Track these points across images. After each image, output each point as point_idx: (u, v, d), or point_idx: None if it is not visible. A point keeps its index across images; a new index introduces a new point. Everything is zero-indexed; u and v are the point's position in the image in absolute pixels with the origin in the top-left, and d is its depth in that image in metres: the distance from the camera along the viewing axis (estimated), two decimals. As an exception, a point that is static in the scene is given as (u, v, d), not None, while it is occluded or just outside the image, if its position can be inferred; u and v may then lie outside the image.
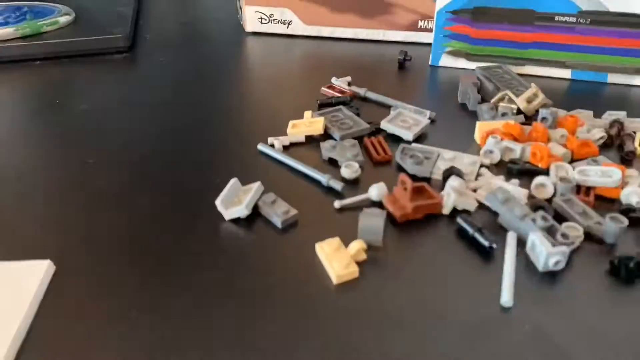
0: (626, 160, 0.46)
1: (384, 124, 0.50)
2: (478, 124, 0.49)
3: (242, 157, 0.47)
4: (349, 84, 0.60)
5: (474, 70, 0.60)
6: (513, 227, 0.37)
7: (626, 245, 0.37)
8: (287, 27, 0.73)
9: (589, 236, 0.38)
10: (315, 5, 0.71)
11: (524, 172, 0.44)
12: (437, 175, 0.44)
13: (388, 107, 0.55)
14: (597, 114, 0.52)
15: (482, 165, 0.45)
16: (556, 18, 0.58)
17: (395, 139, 0.50)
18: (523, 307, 0.33)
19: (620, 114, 0.51)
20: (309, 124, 0.50)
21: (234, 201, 0.40)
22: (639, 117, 0.52)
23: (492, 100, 0.53)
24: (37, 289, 0.33)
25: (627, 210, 0.39)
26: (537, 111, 0.51)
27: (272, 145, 0.48)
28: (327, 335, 0.31)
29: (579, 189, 0.41)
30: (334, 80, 0.60)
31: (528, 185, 0.42)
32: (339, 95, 0.57)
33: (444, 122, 0.53)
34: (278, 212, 0.39)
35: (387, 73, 0.63)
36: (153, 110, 0.56)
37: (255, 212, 0.40)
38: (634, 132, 0.49)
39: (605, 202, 0.41)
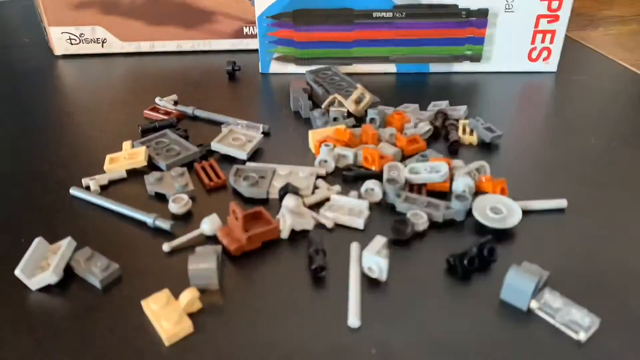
0: (453, 150, 0.47)
1: (215, 145, 0.47)
2: (310, 132, 0.47)
3: (53, 207, 0.41)
4: (175, 103, 0.56)
5: (304, 74, 0.59)
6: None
7: (464, 240, 0.38)
8: (102, 46, 0.66)
9: (438, 227, 0.38)
10: (130, 19, 0.65)
11: (360, 178, 0.43)
12: (274, 195, 0.41)
13: (220, 124, 0.52)
14: (424, 106, 0.54)
15: (318, 176, 0.44)
16: (374, 14, 0.59)
17: (230, 159, 0.46)
18: (370, 324, 0.31)
19: (443, 104, 0.53)
20: (129, 155, 0.45)
21: (41, 266, 0.34)
22: (460, 105, 0.54)
23: (323, 105, 0.51)
24: None
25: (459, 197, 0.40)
26: (366, 111, 0.51)
27: (88, 188, 0.43)
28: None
29: (411, 187, 0.41)
30: (157, 100, 0.55)
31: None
32: (164, 117, 0.53)
33: (279, 134, 0.50)
34: (95, 270, 0.34)
35: (217, 86, 0.60)
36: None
37: (70, 273, 0.35)
38: (457, 121, 0.50)
39: (437, 197, 0.41)
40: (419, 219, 0.38)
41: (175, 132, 0.49)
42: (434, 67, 0.62)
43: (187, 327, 0.31)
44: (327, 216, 0.39)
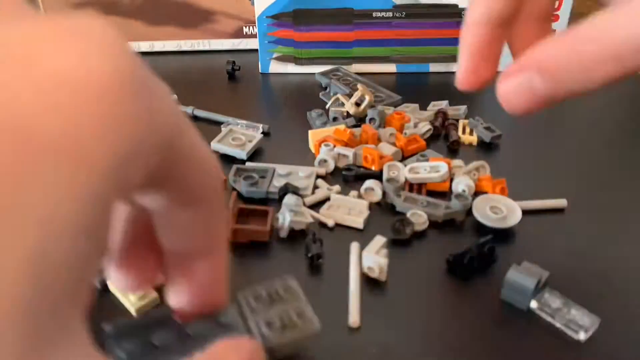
0: (452, 149, 0.47)
1: (215, 145, 0.47)
2: (310, 132, 0.47)
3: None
4: (175, 103, 0.56)
5: (304, 74, 0.59)
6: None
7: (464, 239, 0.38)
8: (102, 46, 0.66)
9: (437, 227, 0.38)
10: (129, 19, 0.65)
11: (360, 177, 0.43)
12: (274, 195, 0.41)
13: (219, 124, 0.51)
14: (424, 106, 0.54)
15: (318, 176, 0.44)
16: (374, 14, 0.59)
17: (230, 159, 0.46)
18: (370, 324, 0.31)
19: (443, 103, 0.53)
20: (129, 156, 0.45)
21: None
22: (460, 105, 0.54)
23: (327, 106, 0.51)
24: None
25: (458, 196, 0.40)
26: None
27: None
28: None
29: (411, 186, 0.41)
30: (157, 100, 0.55)
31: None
32: (164, 117, 0.52)
33: (279, 134, 0.50)
34: (95, 269, 0.34)
35: (217, 86, 0.60)
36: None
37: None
38: (457, 121, 0.50)
39: (437, 197, 0.41)
40: (418, 218, 0.38)
41: (175, 132, 0.49)
42: (434, 67, 0.62)
43: (154, 299, 0.32)
44: (327, 215, 0.39)
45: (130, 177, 0.14)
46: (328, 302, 0.33)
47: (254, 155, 0.47)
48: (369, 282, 0.34)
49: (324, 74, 0.58)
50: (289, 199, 0.39)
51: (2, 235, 0.12)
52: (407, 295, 0.33)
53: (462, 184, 0.40)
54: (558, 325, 0.31)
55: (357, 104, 0.50)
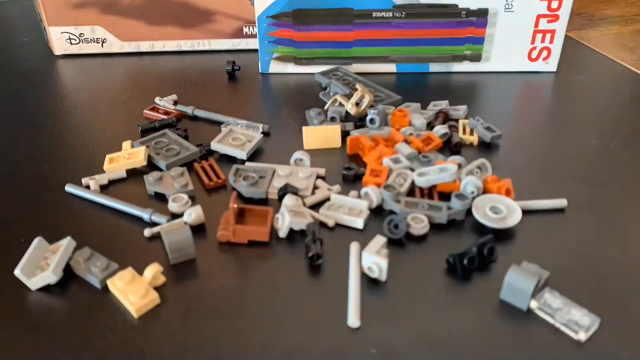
0: (455, 151, 0.47)
1: (215, 145, 0.47)
2: (304, 129, 0.47)
3: (53, 207, 0.41)
4: (175, 103, 0.56)
5: (304, 74, 0.59)
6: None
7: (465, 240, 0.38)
8: (102, 46, 0.66)
9: (438, 227, 0.38)
10: (130, 19, 0.65)
11: (359, 177, 0.43)
12: (274, 195, 0.41)
13: (219, 124, 0.51)
14: (424, 106, 0.54)
15: (318, 176, 0.44)
16: (373, 14, 0.59)
17: (230, 159, 0.46)
18: (370, 324, 0.31)
19: (443, 103, 0.53)
20: (129, 155, 0.45)
21: (41, 265, 0.34)
22: (460, 104, 0.54)
23: (326, 106, 0.51)
24: None
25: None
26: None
27: (88, 187, 0.43)
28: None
29: (421, 191, 0.41)
30: (157, 100, 0.55)
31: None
32: (164, 117, 0.53)
33: (279, 134, 0.50)
34: (95, 270, 0.34)
35: (217, 85, 0.60)
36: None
37: (70, 273, 0.35)
38: (457, 121, 0.50)
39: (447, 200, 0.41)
40: (419, 222, 0.37)
41: (174, 132, 0.49)
42: (434, 67, 0.62)
43: (154, 298, 0.32)
44: (327, 215, 0.39)
45: None
46: (328, 302, 0.33)
47: (254, 155, 0.47)
48: (369, 282, 0.34)
49: (323, 73, 0.58)
50: (288, 199, 0.39)
51: None
52: (407, 295, 0.33)
53: (470, 184, 0.40)
54: (558, 325, 0.31)
55: (357, 104, 0.50)
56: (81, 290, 0.34)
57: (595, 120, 0.53)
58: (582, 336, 0.30)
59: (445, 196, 0.41)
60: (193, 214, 0.38)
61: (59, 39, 0.65)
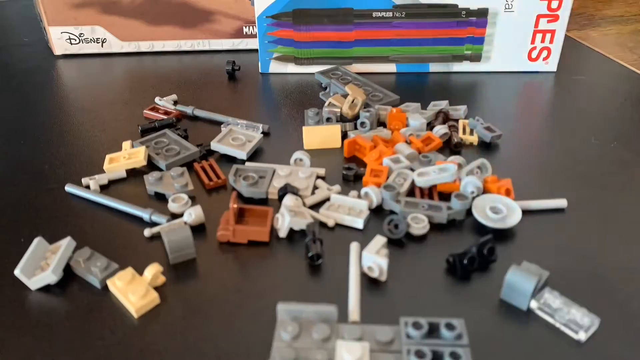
0: (455, 152, 0.47)
1: (215, 145, 0.47)
2: (304, 128, 0.47)
3: (53, 207, 0.41)
4: (175, 103, 0.56)
5: (304, 74, 0.59)
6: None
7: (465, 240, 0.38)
8: (102, 46, 0.66)
9: (438, 227, 0.38)
10: (129, 19, 0.65)
11: (359, 177, 0.43)
12: (274, 195, 0.41)
13: (219, 124, 0.51)
14: (424, 106, 0.54)
15: (318, 176, 0.44)
16: (374, 14, 0.59)
17: (230, 159, 0.46)
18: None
19: (443, 103, 0.53)
20: (129, 155, 0.45)
21: (41, 265, 0.34)
22: (459, 104, 0.54)
23: (324, 106, 0.51)
24: None
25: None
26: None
27: (88, 187, 0.43)
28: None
29: (421, 192, 0.41)
30: (157, 100, 0.55)
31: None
32: (164, 117, 0.53)
33: (279, 134, 0.50)
34: (95, 270, 0.34)
35: (217, 85, 0.60)
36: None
37: (70, 273, 0.35)
38: (457, 121, 0.50)
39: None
40: (418, 222, 0.37)
41: (174, 131, 0.49)
42: (434, 67, 0.62)
43: (154, 298, 0.32)
44: (327, 215, 0.39)
45: None
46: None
47: (254, 155, 0.47)
48: (369, 282, 0.34)
49: (323, 73, 0.58)
50: (288, 199, 0.39)
51: None
52: (407, 295, 0.33)
53: (470, 184, 0.40)
54: (558, 325, 0.31)
55: (351, 105, 0.50)
56: (81, 290, 0.34)
57: (595, 120, 0.53)
58: (582, 336, 0.30)
59: (445, 196, 0.41)
60: (193, 214, 0.38)
61: (59, 39, 0.65)
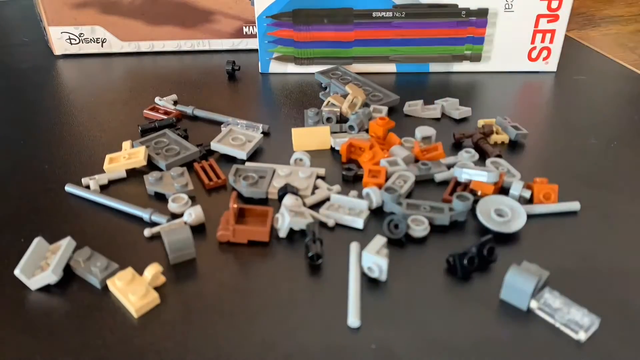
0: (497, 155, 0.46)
1: (214, 145, 0.47)
2: (293, 130, 0.47)
3: (53, 207, 0.41)
4: (175, 103, 0.56)
5: (304, 74, 0.59)
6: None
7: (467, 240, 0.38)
8: (102, 46, 0.66)
9: (439, 229, 0.38)
10: (129, 19, 0.65)
11: (359, 177, 0.43)
12: (274, 195, 0.41)
13: (219, 124, 0.51)
14: (427, 104, 0.54)
15: (318, 176, 0.44)
16: (373, 14, 0.59)
17: (230, 159, 0.46)
18: (370, 324, 0.31)
19: (449, 101, 0.53)
20: (129, 155, 0.45)
21: (41, 265, 0.34)
22: (459, 105, 0.54)
23: (323, 106, 0.51)
24: None
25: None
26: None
27: (88, 187, 0.43)
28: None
29: (455, 184, 0.41)
30: (157, 100, 0.55)
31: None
32: (164, 117, 0.53)
33: (279, 134, 0.50)
34: (95, 270, 0.34)
35: (217, 85, 0.60)
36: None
37: (70, 273, 0.35)
38: (484, 134, 0.48)
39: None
40: (419, 224, 0.37)
41: (174, 131, 0.49)
42: (434, 67, 0.62)
43: (154, 298, 0.32)
44: (327, 215, 0.39)
45: None
46: (328, 302, 0.33)
47: (254, 155, 0.47)
48: (369, 282, 0.34)
49: (323, 73, 0.58)
50: (288, 199, 0.39)
51: None
52: (407, 295, 0.33)
53: (517, 190, 0.40)
54: (558, 325, 0.31)
55: (351, 105, 0.50)
56: (81, 290, 0.34)
57: (595, 120, 0.53)
58: (582, 336, 0.30)
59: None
60: (193, 214, 0.38)
61: (59, 39, 0.65)
